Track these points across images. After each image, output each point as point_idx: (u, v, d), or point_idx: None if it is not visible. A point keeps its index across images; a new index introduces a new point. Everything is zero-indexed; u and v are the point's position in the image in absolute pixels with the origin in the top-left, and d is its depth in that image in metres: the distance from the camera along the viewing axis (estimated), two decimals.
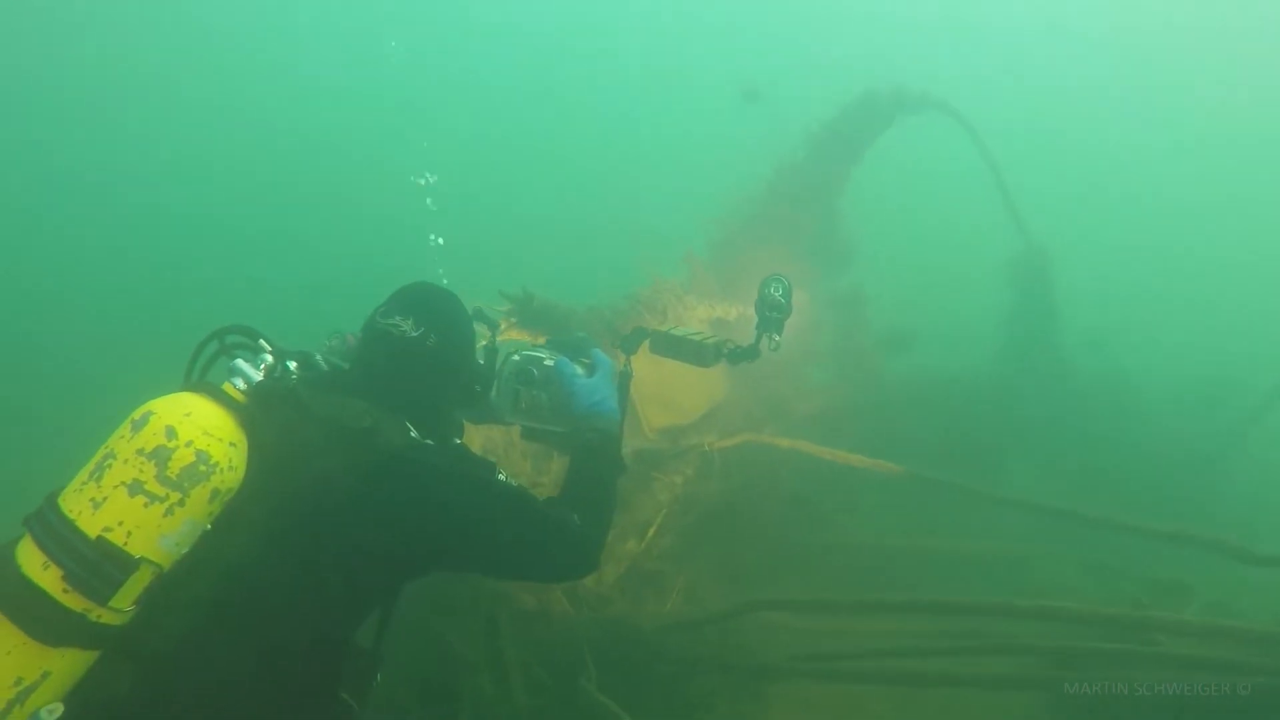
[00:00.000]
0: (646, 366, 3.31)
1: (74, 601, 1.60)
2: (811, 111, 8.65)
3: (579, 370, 2.42)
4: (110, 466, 1.69)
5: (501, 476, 2.11)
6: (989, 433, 7.94)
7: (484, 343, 2.50)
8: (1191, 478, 8.18)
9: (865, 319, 8.30)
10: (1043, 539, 6.49)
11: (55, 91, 24.94)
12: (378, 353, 2.17)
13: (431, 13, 33.75)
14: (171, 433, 1.72)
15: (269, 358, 2.02)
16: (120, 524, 1.64)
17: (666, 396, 5.29)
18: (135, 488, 1.67)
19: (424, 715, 3.73)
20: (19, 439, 9.34)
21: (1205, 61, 32.13)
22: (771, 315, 2.53)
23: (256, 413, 1.87)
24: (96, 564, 1.61)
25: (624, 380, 2.54)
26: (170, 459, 1.69)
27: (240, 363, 1.98)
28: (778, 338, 2.54)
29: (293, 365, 2.05)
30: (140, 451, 1.70)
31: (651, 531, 4.72)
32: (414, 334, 2.15)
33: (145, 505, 1.66)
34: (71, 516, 1.65)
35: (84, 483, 1.70)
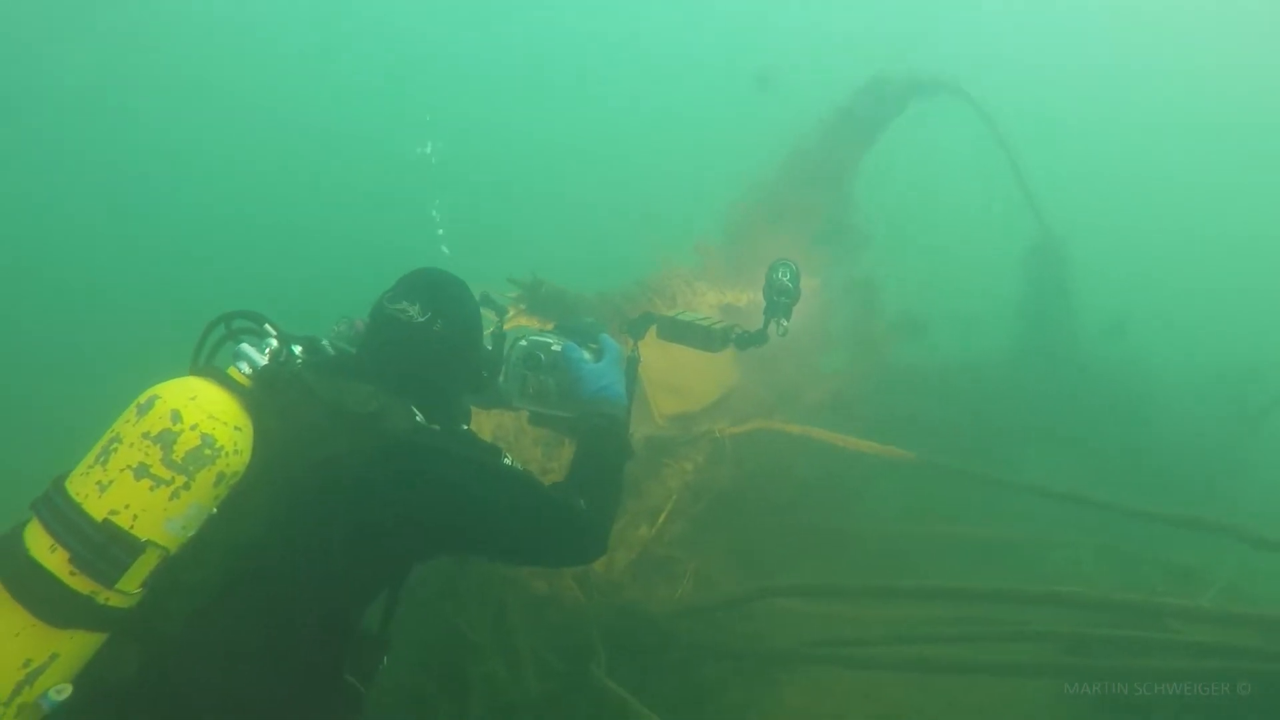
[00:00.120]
0: (657, 353, 3.30)
1: (81, 584, 1.62)
2: (825, 96, 8.57)
3: (586, 355, 2.42)
4: (116, 450, 1.70)
5: (507, 461, 2.11)
6: (1003, 419, 7.90)
7: (492, 329, 2.50)
8: (1208, 464, 8.12)
9: (878, 304, 8.24)
10: (1058, 525, 6.46)
11: (60, 81, 25.03)
12: (384, 338, 2.16)
13: None
14: (177, 416, 1.72)
15: (274, 342, 2.01)
16: (126, 507, 1.65)
17: (677, 383, 5.27)
18: (141, 471, 1.67)
19: (434, 699, 3.75)
20: (25, 425, 9.44)
21: (1235, 42, 31.49)
22: (779, 300, 2.52)
23: (262, 397, 1.87)
24: (103, 547, 1.62)
25: (631, 366, 2.53)
26: (176, 442, 1.70)
27: (245, 347, 1.97)
28: (785, 323, 2.53)
29: (298, 350, 2.05)
30: (146, 435, 1.70)
31: (662, 518, 4.71)
32: (421, 319, 2.15)
33: (151, 489, 1.67)
34: (78, 499, 1.66)
35: (90, 466, 1.71)
